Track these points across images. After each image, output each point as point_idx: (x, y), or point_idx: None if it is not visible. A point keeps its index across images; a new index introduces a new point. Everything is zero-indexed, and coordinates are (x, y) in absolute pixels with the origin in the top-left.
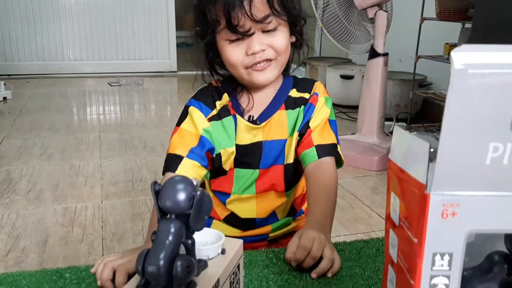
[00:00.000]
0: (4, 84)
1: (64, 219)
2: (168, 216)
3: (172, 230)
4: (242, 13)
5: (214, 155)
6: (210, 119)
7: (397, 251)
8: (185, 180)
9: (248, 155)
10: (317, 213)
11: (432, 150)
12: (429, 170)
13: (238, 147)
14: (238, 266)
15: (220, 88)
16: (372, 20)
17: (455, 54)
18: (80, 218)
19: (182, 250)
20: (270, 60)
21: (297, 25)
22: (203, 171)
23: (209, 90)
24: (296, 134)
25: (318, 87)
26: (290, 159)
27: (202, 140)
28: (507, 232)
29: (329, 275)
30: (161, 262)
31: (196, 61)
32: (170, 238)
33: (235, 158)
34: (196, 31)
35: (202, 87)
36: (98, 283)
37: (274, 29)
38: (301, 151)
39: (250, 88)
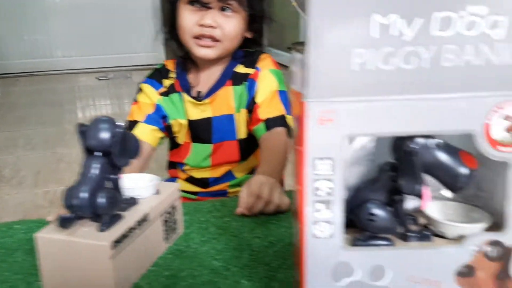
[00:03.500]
0: None
1: (44, 201)
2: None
3: (94, 165)
4: None
5: (168, 123)
6: (161, 94)
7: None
8: (108, 119)
9: (200, 130)
10: (265, 167)
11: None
12: (304, 78)
13: (190, 122)
14: (174, 207)
15: (170, 68)
16: None
17: None
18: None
19: (111, 187)
20: (216, 40)
21: (256, 21)
22: (160, 134)
23: (160, 69)
24: (244, 110)
25: (262, 61)
26: (242, 134)
27: (157, 107)
28: (380, 135)
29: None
30: (84, 195)
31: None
32: (92, 171)
33: (190, 133)
34: None
35: (155, 68)
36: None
37: (231, 15)
38: (252, 127)
39: (199, 64)
